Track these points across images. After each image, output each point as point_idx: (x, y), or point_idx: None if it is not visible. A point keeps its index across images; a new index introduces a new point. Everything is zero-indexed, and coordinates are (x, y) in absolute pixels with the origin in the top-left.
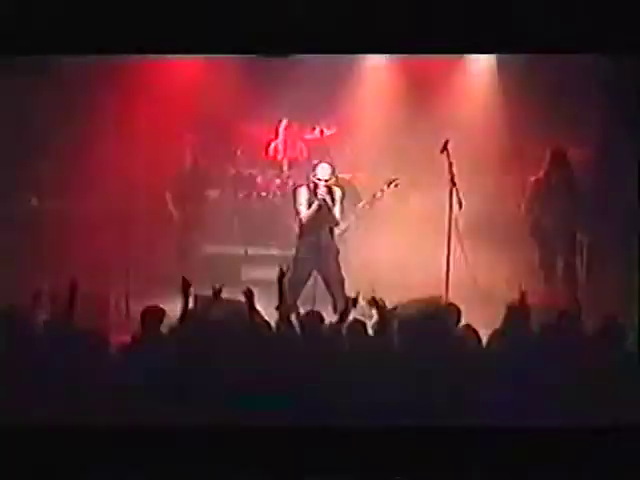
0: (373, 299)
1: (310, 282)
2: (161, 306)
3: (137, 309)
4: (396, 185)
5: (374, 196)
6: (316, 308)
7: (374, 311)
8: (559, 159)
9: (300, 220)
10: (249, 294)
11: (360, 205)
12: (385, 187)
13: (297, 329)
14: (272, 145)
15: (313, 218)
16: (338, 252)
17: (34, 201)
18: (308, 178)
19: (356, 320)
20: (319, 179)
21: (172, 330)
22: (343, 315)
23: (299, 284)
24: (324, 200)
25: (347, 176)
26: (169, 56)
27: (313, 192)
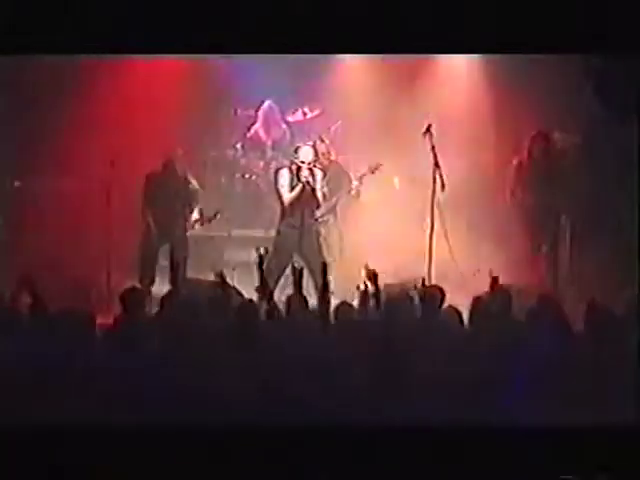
0: (373, 273)
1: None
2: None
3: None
4: (374, 170)
5: (360, 179)
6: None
7: (369, 284)
8: (542, 142)
9: (282, 203)
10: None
11: (353, 192)
12: (368, 172)
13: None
14: (255, 127)
15: (295, 200)
16: (320, 234)
17: (16, 183)
18: (291, 160)
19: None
20: (302, 162)
21: (156, 312)
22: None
23: (279, 267)
24: (307, 182)
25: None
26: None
27: (296, 174)
